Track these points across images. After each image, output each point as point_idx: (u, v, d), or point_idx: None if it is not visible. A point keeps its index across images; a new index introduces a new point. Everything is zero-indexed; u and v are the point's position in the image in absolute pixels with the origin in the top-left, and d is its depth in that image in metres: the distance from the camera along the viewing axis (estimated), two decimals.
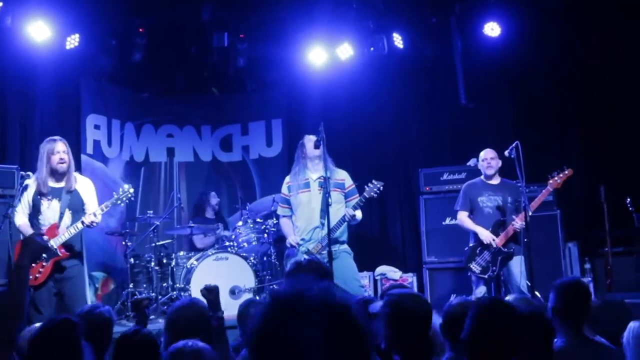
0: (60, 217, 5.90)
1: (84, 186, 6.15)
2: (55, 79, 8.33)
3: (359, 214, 6.27)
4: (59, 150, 5.93)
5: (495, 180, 6.87)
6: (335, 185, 6.20)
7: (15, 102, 8.03)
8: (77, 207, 5.98)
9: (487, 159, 6.87)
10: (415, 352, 2.88)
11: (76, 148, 8.40)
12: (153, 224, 8.14)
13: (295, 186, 6.37)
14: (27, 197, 5.95)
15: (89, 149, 8.89)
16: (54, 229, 5.85)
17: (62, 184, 6.00)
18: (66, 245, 5.88)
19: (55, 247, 5.75)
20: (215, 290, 3.90)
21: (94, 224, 5.89)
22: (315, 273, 3.05)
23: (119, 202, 6.13)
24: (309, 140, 6.30)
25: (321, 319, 1.39)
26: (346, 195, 6.36)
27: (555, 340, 3.33)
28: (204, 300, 3.75)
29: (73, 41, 8.04)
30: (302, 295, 1.43)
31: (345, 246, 6.25)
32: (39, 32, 7.58)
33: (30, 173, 5.96)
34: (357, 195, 6.37)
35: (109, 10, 8.28)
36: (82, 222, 5.82)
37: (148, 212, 8.51)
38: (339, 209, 6.19)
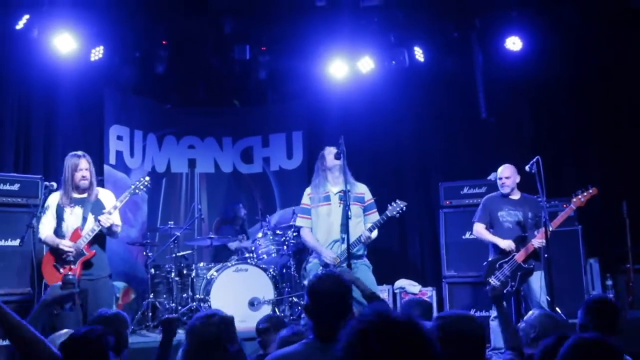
0: (84, 221, 5.96)
1: (106, 195, 6.23)
2: (79, 90, 8.43)
3: (374, 234, 6.27)
4: (82, 167, 6.01)
5: (516, 195, 6.83)
6: (355, 199, 6.20)
7: (40, 113, 8.13)
8: (99, 213, 5.99)
9: (502, 179, 6.82)
10: None
11: (99, 158, 8.49)
12: (174, 234, 8.19)
13: (315, 199, 6.35)
14: (51, 209, 6.04)
15: (112, 159, 8.99)
16: (77, 232, 5.92)
17: (84, 195, 6.08)
18: (95, 257, 5.94)
19: (80, 247, 5.83)
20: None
21: (110, 222, 5.90)
22: (334, 286, 3.05)
23: (136, 191, 6.22)
24: (329, 152, 6.29)
25: (413, 342, 1.51)
26: (365, 209, 6.35)
27: None
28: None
29: (97, 53, 8.16)
30: (391, 320, 1.55)
31: (364, 259, 6.25)
32: (64, 44, 7.70)
33: (54, 183, 6.07)
34: (376, 209, 6.37)
35: (132, 23, 8.39)
36: (99, 221, 5.86)
37: (169, 222, 8.57)
38: (359, 223, 6.19)
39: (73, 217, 6.00)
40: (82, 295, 5.84)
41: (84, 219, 5.96)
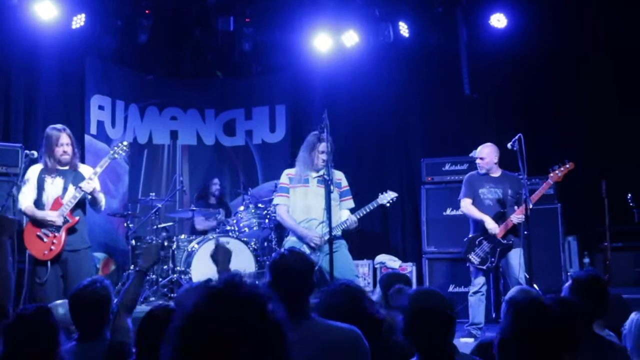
0: (64, 191, 5.97)
1: (86, 169, 6.22)
2: (60, 58, 8.35)
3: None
4: (62, 142, 5.99)
5: (496, 173, 6.86)
6: (334, 184, 6.23)
7: (20, 81, 8.04)
8: (79, 183, 5.98)
9: (478, 159, 6.86)
10: (436, 353, 2.84)
11: (80, 128, 8.44)
12: (155, 206, 8.18)
13: (295, 179, 6.35)
14: (32, 180, 6.01)
15: (93, 129, 8.92)
16: (58, 201, 5.91)
17: (66, 168, 6.08)
18: (72, 228, 5.95)
19: (62, 218, 5.84)
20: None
21: (92, 188, 5.89)
22: (298, 264, 3.04)
23: (115, 156, 6.21)
24: (323, 148, 6.20)
25: (254, 308, 1.46)
26: (341, 195, 6.38)
27: None
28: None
29: (79, 21, 8.04)
30: (236, 285, 1.50)
31: (342, 239, 6.27)
32: (45, 11, 7.59)
33: (35, 152, 5.99)
34: (351, 196, 6.43)
35: None
36: (80, 188, 5.86)
37: (150, 194, 8.55)
38: (335, 207, 6.21)
39: (54, 187, 5.98)
40: (62, 266, 5.88)
41: (65, 189, 5.97)
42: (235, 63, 9.99)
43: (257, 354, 1.42)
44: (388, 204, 6.40)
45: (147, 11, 8.61)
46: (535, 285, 6.14)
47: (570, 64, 8.62)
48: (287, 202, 6.39)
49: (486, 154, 6.83)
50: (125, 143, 6.36)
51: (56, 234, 5.83)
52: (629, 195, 7.34)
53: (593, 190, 7.49)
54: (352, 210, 6.36)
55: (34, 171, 6.03)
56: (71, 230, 5.94)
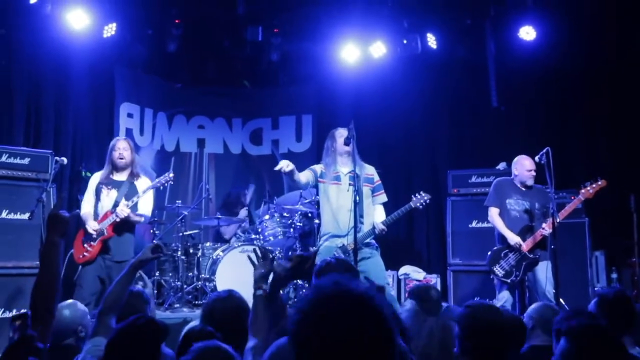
0: (115, 205, 6.34)
1: (142, 183, 6.60)
2: (91, 66, 8.44)
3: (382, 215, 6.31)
4: (119, 147, 6.56)
5: (528, 185, 6.81)
6: (365, 180, 6.20)
7: (51, 89, 8.15)
8: (132, 198, 6.39)
9: (532, 171, 6.77)
10: None
11: (109, 135, 8.53)
12: (181, 213, 8.22)
13: (327, 176, 6.32)
14: (91, 188, 6.51)
15: (121, 136, 8.99)
16: (107, 215, 6.33)
17: (123, 177, 6.53)
18: (118, 240, 6.36)
19: (103, 228, 6.26)
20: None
21: (125, 214, 6.26)
22: (343, 272, 3.02)
23: (159, 186, 6.68)
24: (340, 135, 6.23)
25: (364, 315, 1.48)
26: (373, 190, 6.36)
27: None
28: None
29: (110, 30, 8.15)
30: (347, 292, 1.52)
31: (375, 245, 6.23)
32: (77, 20, 7.71)
33: (64, 159, 6.41)
34: (383, 191, 6.42)
35: (146, 0, 8.39)
36: (115, 213, 6.26)
37: (177, 201, 8.59)
38: (368, 204, 6.20)
39: (108, 199, 6.44)
40: (106, 271, 6.29)
41: (116, 203, 6.37)
42: (263, 73, 10.06)
43: (373, 353, 1.46)
44: (421, 207, 6.37)
45: (177, 20, 8.70)
46: (562, 300, 6.08)
47: (599, 76, 8.54)
48: (308, 175, 6.26)
49: (520, 166, 6.80)
50: (171, 175, 6.71)
51: (92, 243, 6.27)
52: None
53: (622, 205, 7.41)
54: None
55: (94, 180, 6.56)
56: (109, 244, 6.32)
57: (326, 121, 9.52)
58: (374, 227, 6.06)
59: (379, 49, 8.92)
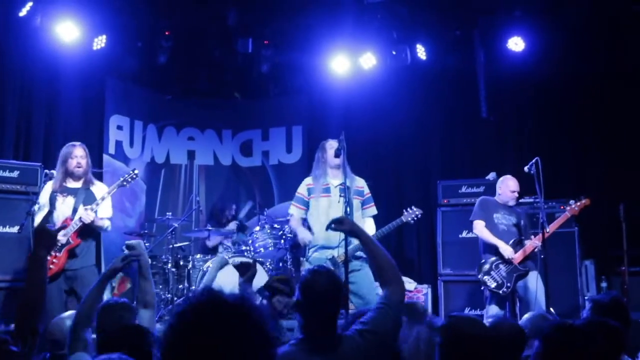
0: (74, 212, 6.13)
1: (99, 189, 6.40)
2: (81, 79, 8.42)
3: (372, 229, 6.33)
4: (76, 154, 6.27)
5: (512, 203, 6.90)
6: (355, 192, 6.22)
7: (41, 101, 8.10)
8: (90, 204, 6.16)
9: (516, 192, 6.86)
10: None
11: (98, 148, 8.53)
12: (171, 225, 8.20)
13: (316, 189, 6.32)
14: (45, 197, 6.24)
15: (111, 149, 8.99)
16: (67, 222, 6.08)
17: (78, 185, 6.29)
18: (75, 250, 6.12)
19: (66, 238, 6.01)
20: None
21: (91, 219, 6.05)
22: (329, 282, 3.00)
23: (124, 184, 6.41)
24: (331, 146, 6.26)
25: (238, 324, 1.51)
26: (363, 203, 6.38)
27: None
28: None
29: (100, 42, 8.14)
30: (218, 303, 1.54)
31: (365, 257, 6.23)
32: (67, 32, 7.68)
33: (54, 171, 6.23)
34: (373, 204, 6.45)
35: (135, 12, 8.38)
36: (80, 218, 6.04)
37: (167, 213, 8.58)
38: (358, 217, 6.20)
39: (65, 206, 6.18)
40: (68, 282, 6.07)
41: (74, 210, 6.13)
42: (253, 84, 10.08)
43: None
44: (412, 221, 6.40)
45: (166, 32, 8.71)
46: (552, 309, 6.09)
47: (588, 86, 8.59)
48: (300, 214, 6.38)
49: (504, 187, 6.87)
50: (136, 171, 6.54)
51: (57, 254, 6.01)
52: None
53: (611, 214, 7.43)
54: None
55: (47, 190, 6.26)
56: (75, 252, 6.11)
57: (316, 132, 9.53)
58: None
59: (369, 60, 8.95)
